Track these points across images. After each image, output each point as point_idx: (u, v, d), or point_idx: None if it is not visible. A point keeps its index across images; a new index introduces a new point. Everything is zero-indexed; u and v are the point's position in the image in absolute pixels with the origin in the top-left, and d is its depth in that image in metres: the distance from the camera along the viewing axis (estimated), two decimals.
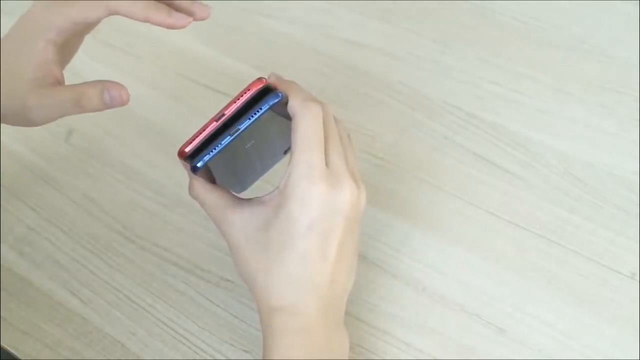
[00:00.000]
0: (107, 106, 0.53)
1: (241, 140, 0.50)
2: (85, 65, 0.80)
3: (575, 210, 0.65)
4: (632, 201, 0.65)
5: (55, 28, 0.54)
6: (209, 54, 0.80)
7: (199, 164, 0.50)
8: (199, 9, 0.55)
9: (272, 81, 0.52)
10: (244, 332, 0.62)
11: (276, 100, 0.50)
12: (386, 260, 0.64)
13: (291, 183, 0.50)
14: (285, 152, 0.56)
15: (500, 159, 0.68)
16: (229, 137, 0.50)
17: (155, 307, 0.64)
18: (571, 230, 0.64)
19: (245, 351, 0.61)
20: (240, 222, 0.52)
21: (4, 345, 0.63)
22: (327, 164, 0.50)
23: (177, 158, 0.51)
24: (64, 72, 0.57)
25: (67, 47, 0.57)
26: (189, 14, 0.54)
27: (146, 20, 0.53)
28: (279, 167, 0.57)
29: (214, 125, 0.50)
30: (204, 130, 0.50)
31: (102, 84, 0.53)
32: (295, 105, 0.51)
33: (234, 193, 0.55)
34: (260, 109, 0.50)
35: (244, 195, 0.55)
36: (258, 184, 0.58)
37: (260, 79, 0.51)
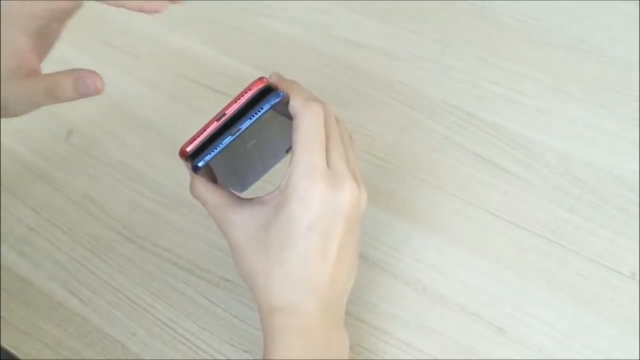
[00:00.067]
0: (81, 95, 0.51)
1: (242, 140, 0.50)
2: (85, 65, 0.79)
3: (575, 210, 0.65)
4: (632, 201, 0.65)
5: (28, 15, 0.52)
6: (209, 54, 0.80)
7: (200, 164, 0.50)
8: None
9: (273, 81, 0.52)
10: (244, 332, 0.62)
11: (277, 100, 0.50)
12: (386, 260, 0.64)
13: (292, 183, 0.50)
14: (287, 152, 0.56)
15: (500, 159, 0.68)
16: (230, 136, 0.50)
17: (155, 307, 0.64)
18: (571, 230, 0.64)
19: (245, 351, 0.61)
20: (241, 221, 0.52)
21: (4, 345, 0.63)
22: (328, 164, 0.50)
23: (177, 158, 0.51)
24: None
25: (45, 34, 0.55)
26: None
27: (121, 5, 0.52)
28: (279, 166, 0.57)
29: (215, 125, 0.50)
30: (205, 130, 0.50)
31: (76, 73, 0.51)
32: (296, 105, 0.51)
33: (235, 192, 0.55)
34: (262, 108, 0.50)
35: (245, 194, 0.55)
36: (259, 183, 0.58)
37: (261, 78, 0.51)
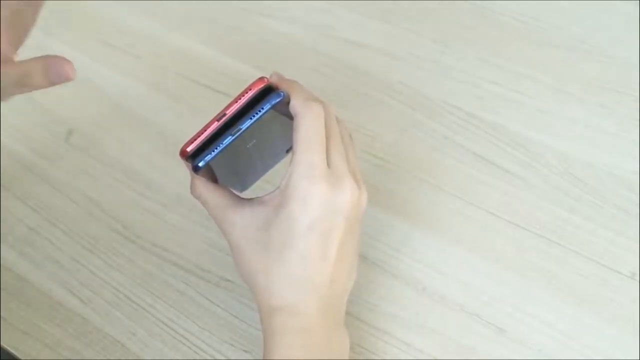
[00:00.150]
0: (52, 83, 0.49)
1: (243, 140, 0.50)
2: (85, 65, 0.80)
3: (575, 210, 0.65)
4: (632, 201, 0.65)
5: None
6: (209, 54, 0.80)
7: (200, 164, 0.50)
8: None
9: (273, 80, 0.52)
10: (244, 332, 0.62)
11: (278, 100, 0.50)
12: (386, 260, 0.64)
13: (292, 183, 0.50)
14: (287, 152, 0.56)
15: (500, 159, 0.68)
16: (230, 136, 0.50)
17: (155, 307, 0.64)
18: (571, 230, 0.64)
19: (245, 351, 0.61)
20: (241, 221, 0.52)
21: (4, 345, 0.63)
22: (328, 164, 0.50)
23: (177, 158, 0.51)
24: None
25: (19, 21, 0.52)
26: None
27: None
28: (280, 166, 0.57)
29: (216, 125, 0.50)
30: (205, 130, 0.50)
31: (45, 60, 0.49)
32: (297, 104, 0.51)
33: (235, 192, 0.55)
34: (262, 108, 0.50)
35: (245, 194, 0.55)
36: (259, 183, 0.58)
37: (261, 78, 0.51)
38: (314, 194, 0.50)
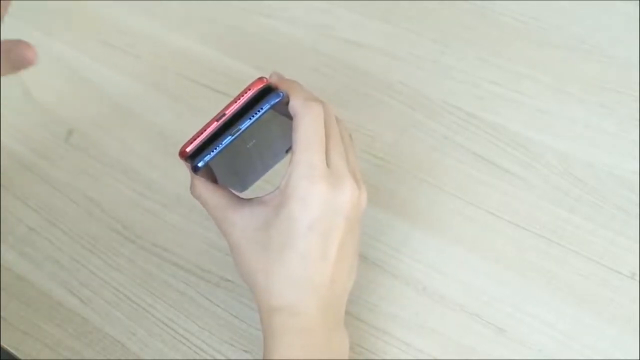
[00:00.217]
0: (15, 70, 0.46)
1: (242, 140, 0.50)
2: (85, 65, 0.80)
3: (575, 210, 0.65)
4: (632, 201, 0.65)
5: None
6: (209, 54, 0.80)
7: (200, 164, 0.50)
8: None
9: (273, 80, 0.52)
10: (244, 332, 0.62)
11: (277, 100, 0.50)
12: (386, 260, 0.64)
13: (292, 183, 0.50)
14: (287, 152, 0.56)
15: (500, 159, 0.68)
16: (230, 137, 0.50)
17: (155, 307, 0.64)
18: (571, 230, 0.64)
19: (245, 351, 0.61)
20: (241, 221, 0.52)
21: (4, 345, 0.63)
22: (328, 164, 0.50)
23: (177, 158, 0.51)
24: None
25: None
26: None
27: None
28: (280, 166, 0.57)
29: (215, 125, 0.50)
30: (205, 130, 0.50)
31: (6, 46, 0.46)
32: (296, 104, 0.50)
33: (235, 192, 0.55)
34: (261, 108, 0.50)
35: (245, 194, 0.55)
36: (259, 183, 0.58)
37: (261, 78, 0.51)
38: (314, 194, 0.49)
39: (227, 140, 0.50)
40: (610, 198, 0.65)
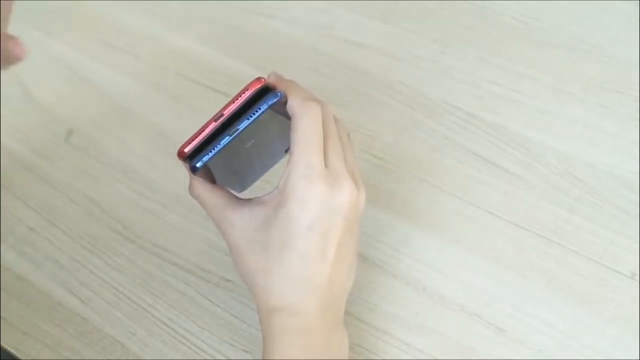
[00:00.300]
0: (5, 65, 0.48)
1: (240, 140, 0.50)
2: (85, 65, 0.80)
3: (575, 210, 0.65)
4: (632, 201, 0.65)
5: None
6: (209, 54, 0.80)
7: (198, 164, 0.50)
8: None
9: (271, 80, 0.52)
10: (244, 332, 0.62)
11: (275, 100, 0.50)
12: (386, 260, 0.64)
13: (290, 183, 0.50)
14: (286, 152, 0.56)
15: (500, 159, 0.68)
16: (228, 137, 0.50)
17: (155, 307, 0.64)
18: (571, 230, 0.64)
19: (245, 351, 0.61)
20: (240, 222, 0.52)
21: (4, 345, 0.63)
22: (326, 164, 0.50)
23: (177, 158, 0.51)
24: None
25: None
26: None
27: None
28: (279, 166, 0.57)
29: (213, 125, 0.50)
30: (203, 130, 0.50)
31: None
32: (294, 104, 0.50)
33: (234, 193, 0.55)
34: (259, 108, 0.50)
35: (244, 194, 0.55)
36: (258, 183, 0.58)
37: (259, 78, 0.51)
38: (312, 194, 0.49)
39: (225, 140, 0.50)
40: (610, 198, 0.65)
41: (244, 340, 0.61)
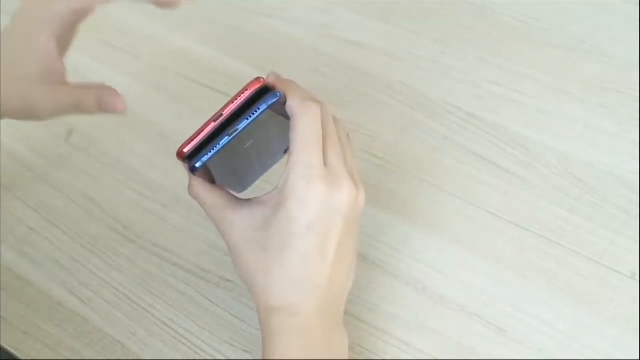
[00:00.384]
0: (104, 112, 0.54)
1: (240, 141, 0.50)
2: (85, 65, 0.80)
3: (575, 210, 0.65)
4: (632, 201, 0.65)
5: (57, 19, 0.54)
6: (209, 54, 0.80)
7: (197, 165, 0.50)
8: None
9: (271, 80, 0.52)
10: (244, 332, 0.62)
11: (274, 100, 0.50)
12: (386, 260, 0.64)
13: (290, 183, 0.50)
14: (285, 152, 0.56)
15: (500, 159, 0.68)
16: (227, 137, 0.50)
17: (155, 307, 0.64)
18: (571, 230, 0.64)
19: (245, 351, 0.61)
20: (240, 222, 0.52)
21: (4, 345, 0.63)
22: (325, 164, 0.50)
23: (176, 158, 0.51)
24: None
25: (65, 38, 0.57)
26: None
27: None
28: (279, 166, 0.57)
29: (213, 125, 0.50)
30: (202, 130, 0.50)
31: (99, 91, 0.54)
32: (293, 104, 0.50)
33: (234, 193, 0.55)
34: (258, 109, 0.50)
35: (244, 195, 0.55)
36: (258, 184, 0.58)
37: (258, 78, 0.51)
38: (312, 194, 0.49)
39: (225, 140, 0.50)
40: (610, 198, 0.65)
41: (244, 340, 0.61)
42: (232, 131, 0.50)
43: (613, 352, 0.58)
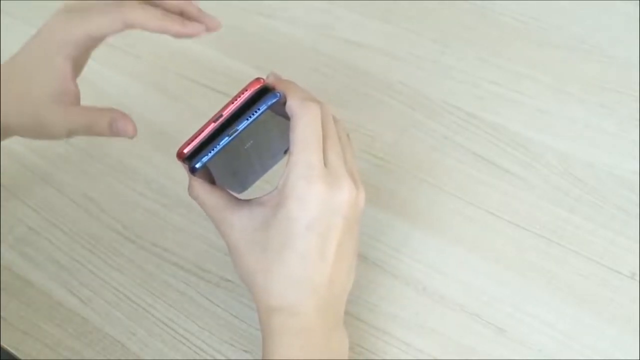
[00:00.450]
0: (115, 135, 0.57)
1: (240, 141, 0.50)
2: (85, 66, 0.80)
3: (575, 210, 0.65)
4: (632, 201, 0.65)
5: (73, 42, 0.56)
6: (209, 54, 0.80)
7: (197, 165, 0.50)
8: (209, 20, 0.58)
9: (270, 81, 0.52)
10: (244, 332, 0.62)
11: (274, 101, 0.50)
12: (386, 260, 0.64)
13: (290, 183, 0.50)
14: (285, 152, 0.56)
15: (500, 159, 0.68)
16: (227, 137, 0.50)
17: (155, 307, 0.64)
18: (571, 230, 0.64)
19: (245, 351, 0.61)
20: (240, 222, 0.52)
21: (4, 345, 0.63)
22: (325, 164, 0.50)
23: (176, 158, 0.51)
24: None
25: (79, 61, 0.59)
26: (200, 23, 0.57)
27: (162, 31, 0.56)
28: (279, 167, 0.57)
29: (213, 126, 0.50)
30: (202, 131, 0.50)
31: (111, 115, 0.57)
32: (293, 105, 0.50)
33: (234, 194, 0.55)
34: (258, 109, 0.50)
35: (244, 195, 0.55)
36: (259, 184, 0.58)
37: (258, 79, 0.51)
38: (312, 194, 0.49)
39: (225, 141, 0.50)
40: (610, 198, 0.65)
41: (244, 340, 0.61)
42: (232, 132, 0.50)
43: (613, 352, 0.58)
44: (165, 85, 0.78)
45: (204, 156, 0.50)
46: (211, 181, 0.53)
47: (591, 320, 0.59)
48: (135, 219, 0.69)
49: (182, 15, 0.58)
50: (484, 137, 0.70)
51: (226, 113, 0.50)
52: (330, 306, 0.53)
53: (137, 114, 0.76)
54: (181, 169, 0.53)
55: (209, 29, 0.58)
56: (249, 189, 0.57)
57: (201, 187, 0.53)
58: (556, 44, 0.75)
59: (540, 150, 0.68)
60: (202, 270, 0.65)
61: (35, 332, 0.64)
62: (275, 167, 0.57)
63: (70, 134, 0.57)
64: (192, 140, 0.50)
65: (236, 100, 0.50)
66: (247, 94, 0.50)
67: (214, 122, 0.50)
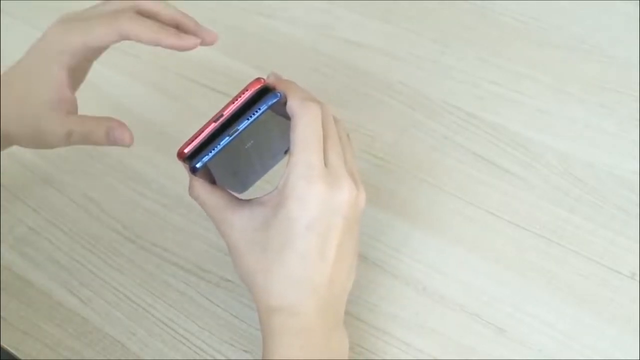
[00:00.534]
0: (111, 144, 0.58)
1: (240, 141, 0.50)
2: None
3: (575, 210, 0.65)
4: (632, 201, 0.65)
5: (70, 52, 0.57)
6: (209, 54, 0.80)
7: (197, 165, 0.50)
8: (206, 34, 0.59)
9: (271, 81, 0.52)
10: (244, 332, 0.62)
11: (274, 101, 0.50)
12: (386, 260, 0.64)
13: (290, 183, 0.50)
14: (286, 152, 0.56)
15: (500, 159, 0.68)
16: (227, 137, 0.50)
17: (155, 307, 0.64)
18: (571, 230, 0.64)
19: (245, 351, 0.61)
20: (240, 222, 0.52)
21: (4, 345, 0.63)
22: (325, 164, 0.50)
23: (177, 158, 0.51)
24: None
25: (77, 71, 0.59)
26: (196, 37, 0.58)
27: (157, 44, 0.56)
28: (279, 167, 0.57)
29: (213, 126, 0.50)
30: (202, 131, 0.50)
31: (108, 124, 0.58)
32: (294, 105, 0.51)
33: (234, 194, 0.55)
34: (259, 109, 0.50)
35: (245, 195, 0.55)
36: (259, 184, 0.58)
37: (258, 79, 0.51)
38: (312, 194, 0.49)
39: (225, 141, 0.50)
40: (610, 198, 0.65)
41: (244, 340, 0.61)
42: (232, 132, 0.50)
43: (613, 352, 0.58)
44: (165, 85, 0.78)
45: (205, 156, 0.50)
46: (212, 181, 0.53)
47: (591, 320, 0.59)
48: (135, 219, 0.69)
49: (178, 28, 0.59)
50: (484, 137, 0.70)
51: (227, 113, 0.50)
52: (330, 306, 0.53)
53: (137, 114, 0.76)
54: (181, 169, 0.53)
55: (204, 43, 0.58)
56: (250, 189, 0.57)
57: (202, 187, 0.53)
58: (556, 44, 0.75)
59: (540, 150, 0.68)
60: (202, 270, 0.65)
61: (35, 332, 0.64)
62: (276, 167, 0.57)
63: (67, 142, 0.58)
64: (193, 140, 0.50)
65: (237, 100, 0.50)
66: (247, 94, 0.50)
67: (215, 122, 0.50)
